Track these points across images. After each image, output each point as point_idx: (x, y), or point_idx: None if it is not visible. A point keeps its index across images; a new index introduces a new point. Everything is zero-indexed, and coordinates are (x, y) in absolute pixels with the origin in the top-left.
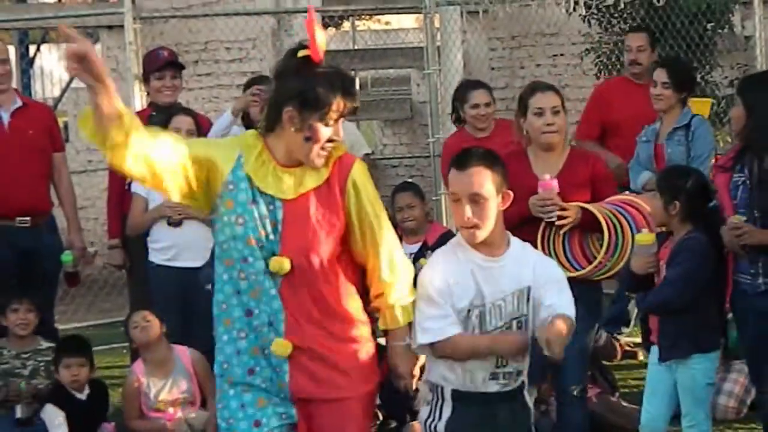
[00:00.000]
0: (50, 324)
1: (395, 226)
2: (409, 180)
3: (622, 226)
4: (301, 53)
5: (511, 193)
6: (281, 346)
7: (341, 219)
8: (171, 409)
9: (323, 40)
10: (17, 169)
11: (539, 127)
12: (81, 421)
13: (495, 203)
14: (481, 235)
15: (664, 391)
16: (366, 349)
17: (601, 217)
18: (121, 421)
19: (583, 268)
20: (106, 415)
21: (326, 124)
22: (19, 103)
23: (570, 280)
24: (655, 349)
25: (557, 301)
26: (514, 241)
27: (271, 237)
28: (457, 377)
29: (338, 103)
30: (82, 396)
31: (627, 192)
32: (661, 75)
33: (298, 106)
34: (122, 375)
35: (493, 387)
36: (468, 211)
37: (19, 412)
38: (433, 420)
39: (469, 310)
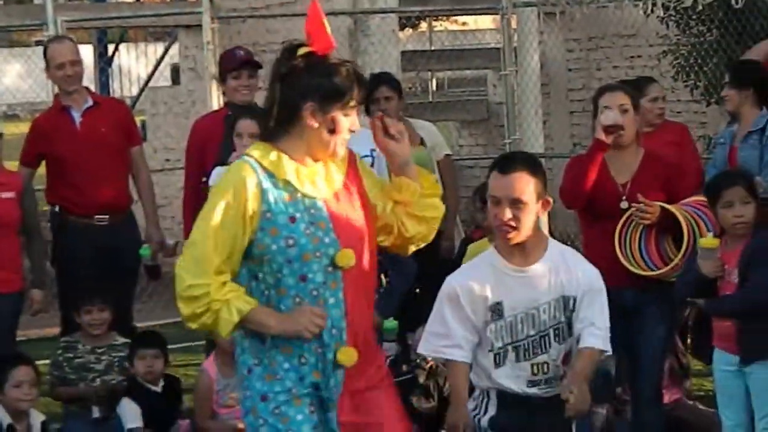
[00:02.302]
0: (129, 322)
1: (477, 227)
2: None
3: (700, 229)
4: (302, 51)
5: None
6: (347, 355)
7: (371, 207)
8: None
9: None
10: (92, 167)
11: None
12: (156, 414)
13: (534, 209)
14: (517, 237)
15: (740, 397)
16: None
17: (682, 219)
18: (193, 420)
19: (658, 269)
20: (180, 408)
21: (346, 115)
22: (91, 102)
23: (646, 280)
24: (720, 354)
25: (589, 314)
26: (552, 247)
27: (326, 239)
28: (497, 386)
29: (356, 92)
30: (157, 389)
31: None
32: (726, 76)
33: (319, 100)
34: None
35: (535, 392)
36: (508, 213)
37: (96, 412)
38: (479, 413)
39: (489, 319)
